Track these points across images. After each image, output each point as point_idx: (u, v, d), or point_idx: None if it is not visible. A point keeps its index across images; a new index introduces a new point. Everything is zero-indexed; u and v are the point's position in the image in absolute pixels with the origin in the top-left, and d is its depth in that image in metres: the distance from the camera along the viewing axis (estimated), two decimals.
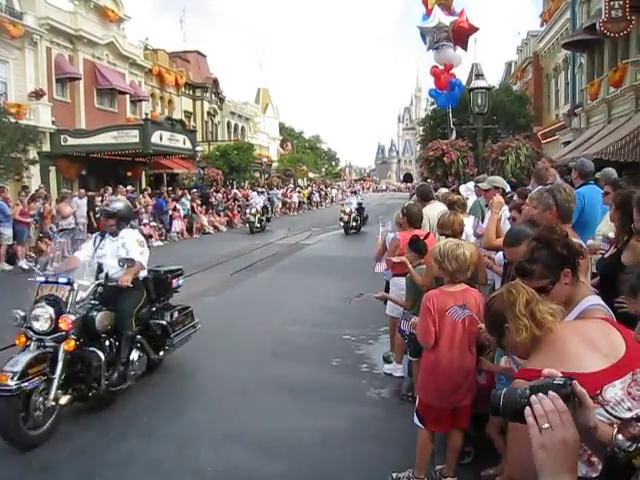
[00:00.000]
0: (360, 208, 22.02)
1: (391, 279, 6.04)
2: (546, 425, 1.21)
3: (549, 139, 25.25)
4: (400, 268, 5.71)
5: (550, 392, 1.27)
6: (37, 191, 16.12)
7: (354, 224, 21.26)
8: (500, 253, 4.55)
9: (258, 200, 23.80)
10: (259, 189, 27.65)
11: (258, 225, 22.46)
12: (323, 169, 78.93)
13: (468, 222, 5.86)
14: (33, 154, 19.24)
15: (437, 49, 16.30)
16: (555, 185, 4.18)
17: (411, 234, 5.78)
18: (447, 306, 3.61)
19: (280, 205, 34.77)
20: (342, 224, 21.24)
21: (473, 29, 16.90)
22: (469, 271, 3.67)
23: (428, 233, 5.39)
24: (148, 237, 18.90)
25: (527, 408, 1.27)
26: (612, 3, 16.11)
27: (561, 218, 3.65)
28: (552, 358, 1.79)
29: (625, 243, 3.41)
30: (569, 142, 21.47)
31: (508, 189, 6.77)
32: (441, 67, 16.68)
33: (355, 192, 27.21)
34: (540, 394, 1.27)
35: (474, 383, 3.69)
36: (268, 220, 24.23)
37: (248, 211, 23.28)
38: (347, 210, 21.33)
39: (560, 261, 2.35)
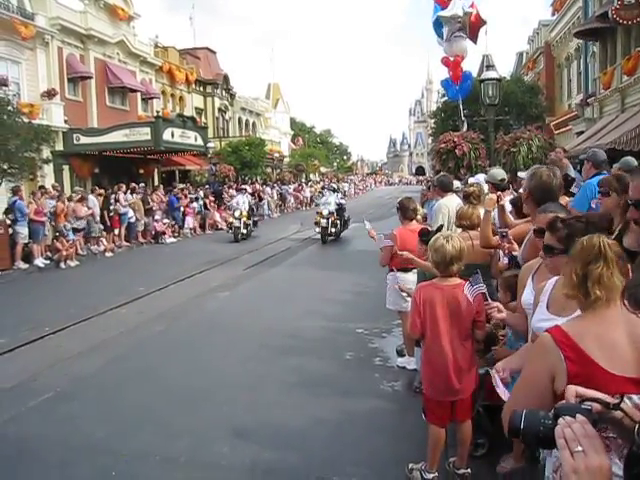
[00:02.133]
0: (340, 209, 18.04)
1: (388, 273, 6.04)
2: (579, 448, 1.17)
3: (562, 129, 24.99)
4: (397, 262, 5.74)
5: (578, 416, 1.22)
6: (47, 189, 16.29)
7: (333, 230, 17.40)
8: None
9: (242, 200, 19.69)
10: (243, 187, 23.68)
11: (244, 231, 18.79)
12: (335, 163, 78.79)
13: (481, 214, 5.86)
14: (46, 153, 19.39)
15: (449, 40, 16.17)
16: (538, 167, 4.12)
17: (408, 229, 5.83)
18: (433, 299, 3.64)
19: (292, 200, 34.83)
20: (318, 230, 17.37)
21: (482, 22, 16.77)
22: (454, 265, 3.64)
23: (423, 228, 5.45)
24: (161, 234, 19.07)
25: (557, 428, 1.21)
26: None
27: (533, 201, 3.68)
28: (589, 330, 1.80)
29: (625, 226, 3.35)
30: (582, 132, 21.23)
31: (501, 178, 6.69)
32: (452, 59, 16.58)
33: (334, 190, 20.74)
34: (568, 417, 1.22)
35: (473, 377, 3.69)
36: (255, 224, 20.56)
37: (231, 214, 19.39)
38: (324, 212, 17.21)
39: (568, 246, 2.39)
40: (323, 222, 17.10)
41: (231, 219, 19.00)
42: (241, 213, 18.74)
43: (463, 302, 3.60)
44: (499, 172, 6.48)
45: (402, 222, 6.13)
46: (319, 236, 17.39)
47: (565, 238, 2.51)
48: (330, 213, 17.23)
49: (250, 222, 19.49)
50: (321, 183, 45.47)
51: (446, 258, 3.62)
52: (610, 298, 1.83)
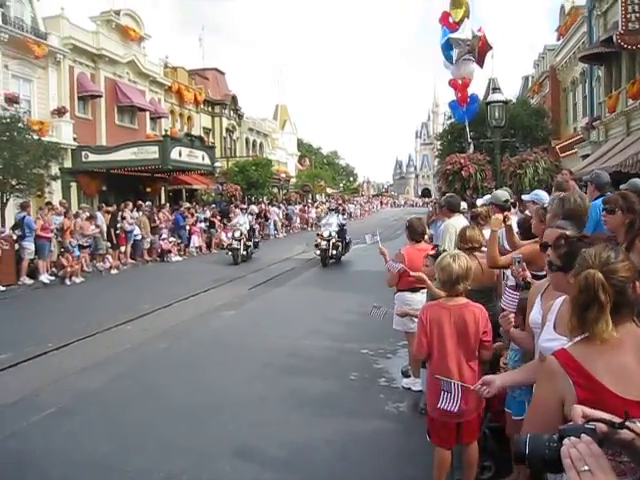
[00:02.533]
0: (342, 231, 17.11)
1: (396, 294, 6.04)
2: (585, 468, 1.16)
3: (567, 153, 25.04)
4: (405, 283, 5.73)
5: (583, 436, 1.21)
6: (54, 205, 16.39)
7: (334, 252, 16.41)
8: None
9: (243, 220, 18.88)
10: (242, 205, 22.94)
11: (244, 252, 17.83)
12: (341, 185, 79.07)
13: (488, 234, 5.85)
14: (55, 170, 19.57)
15: (458, 63, 16.27)
16: (569, 194, 4.19)
17: (416, 248, 5.82)
18: (440, 319, 3.61)
19: (298, 220, 34.92)
20: (318, 253, 16.44)
21: (488, 47, 16.93)
22: (460, 284, 3.62)
23: (434, 247, 5.42)
24: (167, 252, 19.09)
25: (563, 449, 1.20)
26: (629, 16, 16.02)
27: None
28: (596, 354, 1.76)
29: (630, 244, 3.33)
30: (587, 155, 21.27)
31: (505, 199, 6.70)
32: (460, 81, 16.68)
33: (336, 210, 20.04)
34: (573, 438, 1.21)
35: (478, 398, 3.64)
36: (256, 245, 19.63)
37: (230, 235, 18.57)
38: (325, 234, 16.27)
39: (573, 262, 2.39)
40: (323, 244, 16.14)
41: (230, 239, 18.15)
42: (241, 234, 17.79)
43: (470, 322, 3.57)
44: (503, 193, 6.48)
45: (409, 242, 6.13)
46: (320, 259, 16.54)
47: (564, 256, 2.50)
48: (331, 235, 16.27)
49: (250, 243, 18.63)
50: (327, 204, 45.62)
51: (452, 277, 3.61)
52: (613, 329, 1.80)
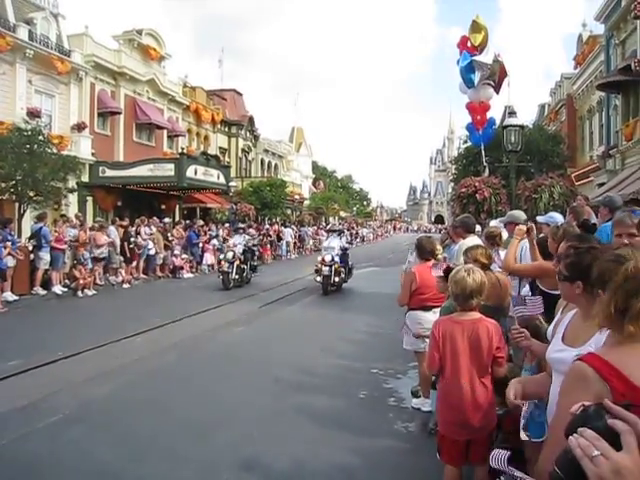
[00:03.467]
0: (344, 254, 15.63)
1: (407, 313, 5.97)
2: (596, 452, 1.11)
3: (583, 181, 24.93)
4: (417, 301, 5.67)
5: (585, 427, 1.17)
6: (69, 218, 16.56)
7: (336, 279, 14.81)
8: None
9: (238, 241, 16.92)
10: (241, 226, 19.90)
11: (236, 276, 15.92)
12: (354, 208, 79.17)
13: (503, 255, 5.81)
14: (72, 183, 19.81)
15: (477, 86, 16.32)
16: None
17: (427, 266, 5.74)
18: (453, 334, 3.54)
19: (311, 242, 34.93)
20: (318, 279, 14.77)
21: (505, 74, 17.01)
22: (474, 299, 3.57)
23: (447, 268, 5.36)
24: (179, 269, 19.13)
25: (571, 440, 1.16)
26: None
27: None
28: (631, 357, 1.67)
29: None
30: (603, 184, 21.16)
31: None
32: (478, 104, 16.72)
33: (340, 232, 18.23)
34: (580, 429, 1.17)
35: (490, 416, 3.56)
36: (254, 269, 17.69)
37: (222, 257, 16.44)
38: (327, 259, 14.64)
39: (578, 272, 2.37)
40: (325, 270, 14.38)
41: (222, 261, 16.09)
42: (234, 255, 15.88)
43: (484, 337, 3.50)
44: (521, 213, 6.47)
45: (419, 260, 6.07)
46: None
47: (570, 265, 2.46)
48: (334, 260, 14.69)
49: (246, 267, 16.70)
50: (340, 227, 45.48)
51: (466, 291, 3.55)
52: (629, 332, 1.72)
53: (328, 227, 25.34)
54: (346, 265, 15.66)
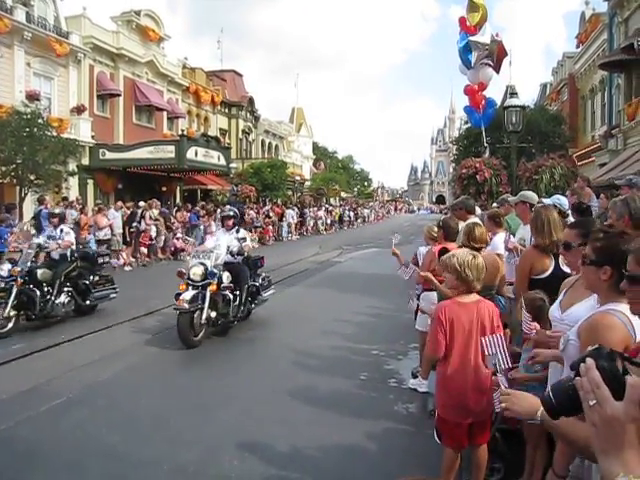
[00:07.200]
0: (239, 265, 8.75)
1: (422, 293, 6.00)
2: (592, 402, 1.14)
3: (585, 161, 24.82)
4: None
5: (588, 359, 1.17)
6: (70, 201, 16.55)
7: (212, 315, 7.80)
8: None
9: (224, 239, 8.60)
10: (227, 213, 9.23)
11: (212, 315, 7.81)
12: (355, 189, 78.94)
13: (502, 236, 5.81)
14: (72, 166, 19.78)
15: (474, 67, 16.16)
16: (630, 195, 4.22)
17: (451, 247, 5.70)
18: (459, 317, 3.55)
19: (312, 223, 34.93)
20: (177, 312, 7.44)
21: (505, 53, 16.83)
22: (482, 281, 3.61)
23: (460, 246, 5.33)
24: (180, 251, 19.16)
25: (576, 380, 1.18)
26: None
27: (634, 226, 3.66)
28: None
29: None
30: (605, 164, 21.07)
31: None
32: (476, 86, 16.58)
33: (235, 218, 9.12)
34: (582, 365, 1.17)
35: (492, 399, 3.59)
36: (253, 298, 9.14)
37: (195, 260, 7.98)
38: (197, 274, 7.75)
39: (608, 257, 2.30)
40: (186, 297, 7.42)
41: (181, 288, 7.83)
42: (206, 274, 7.78)
43: (486, 318, 3.53)
44: (533, 194, 6.42)
45: (441, 242, 5.89)
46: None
47: (599, 249, 2.36)
48: (210, 275, 7.81)
49: (241, 294, 8.57)
50: (341, 208, 45.41)
51: (483, 273, 3.59)
52: None
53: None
54: (242, 284, 8.60)
